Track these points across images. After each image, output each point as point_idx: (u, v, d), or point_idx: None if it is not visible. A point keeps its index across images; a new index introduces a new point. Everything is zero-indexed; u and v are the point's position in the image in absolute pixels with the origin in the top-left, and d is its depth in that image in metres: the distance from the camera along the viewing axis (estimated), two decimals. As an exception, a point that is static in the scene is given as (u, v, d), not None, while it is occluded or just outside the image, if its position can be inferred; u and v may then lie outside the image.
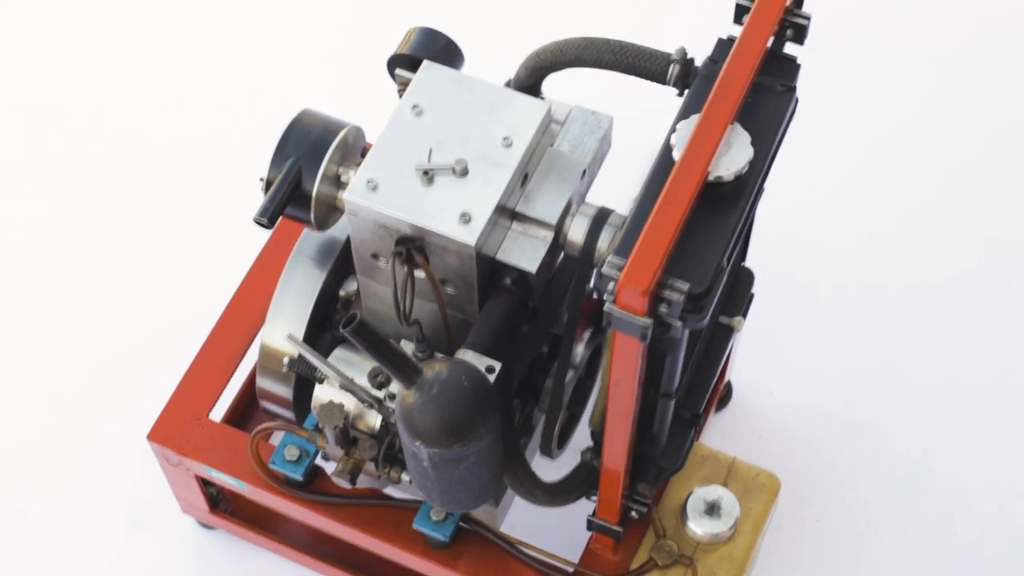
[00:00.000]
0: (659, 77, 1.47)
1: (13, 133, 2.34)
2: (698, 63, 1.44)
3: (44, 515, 2.01)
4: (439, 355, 1.57)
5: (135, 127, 2.33)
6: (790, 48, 1.41)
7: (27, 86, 2.39)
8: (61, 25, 2.44)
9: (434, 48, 1.59)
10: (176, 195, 2.25)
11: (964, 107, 2.32)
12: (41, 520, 2.01)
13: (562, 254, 1.55)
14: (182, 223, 2.23)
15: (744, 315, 1.68)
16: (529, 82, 1.56)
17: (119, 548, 1.99)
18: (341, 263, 1.69)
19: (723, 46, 1.40)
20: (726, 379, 1.98)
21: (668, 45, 1.49)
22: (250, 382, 1.86)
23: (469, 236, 1.44)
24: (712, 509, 1.67)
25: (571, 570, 1.70)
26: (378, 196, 1.46)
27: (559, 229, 1.49)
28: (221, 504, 1.90)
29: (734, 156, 1.32)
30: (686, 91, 1.43)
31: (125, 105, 2.34)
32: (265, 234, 1.88)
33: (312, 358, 1.52)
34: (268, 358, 1.70)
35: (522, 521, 1.86)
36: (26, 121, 2.35)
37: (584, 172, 1.52)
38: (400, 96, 1.59)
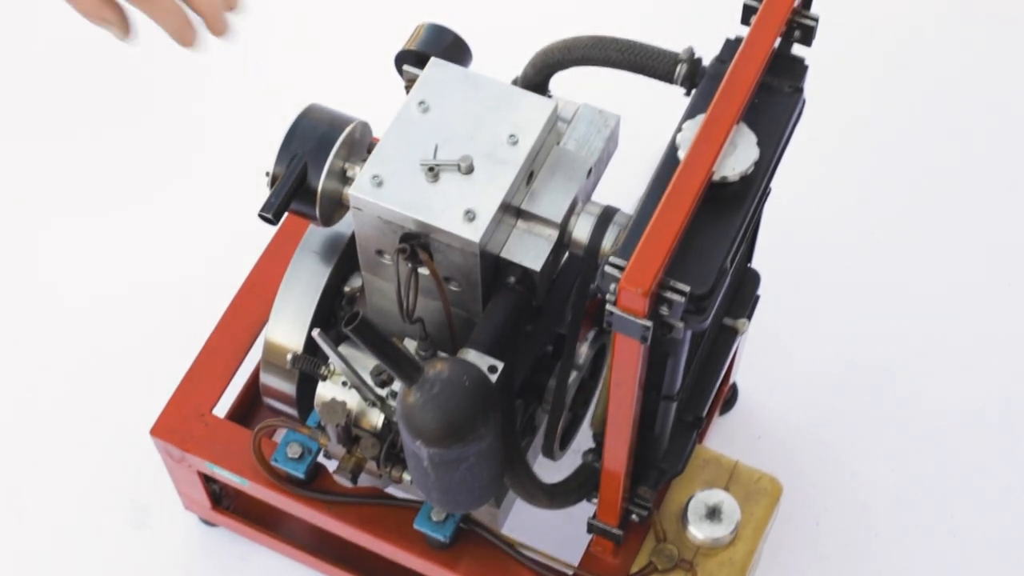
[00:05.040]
0: (666, 76, 1.47)
1: (16, 128, 2.34)
2: (706, 63, 1.43)
3: (44, 513, 2.01)
4: (441, 354, 1.57)
5: (140, 120, 2.33)
6: (798, 49, 1.40)
7: (30, 81, 2.39)
8: (65, 20, 2.44)
9: (442, 45, 1.59)
10: (181, 189, 2.25)
11: (969, 107, 2.32)
12: (41, 518, 2.01)
13: (567, 253, 1.54)
14: (186, 217, 2.23)
15: (749, 317, 1.68)
16: (537, 80, 1.56)
17: (120, 545, 1.98)
18: (346, 259, 1.69)
19: (731, 46, 1.40)
20: (731, 382, 1.97)
21: (676, 45, 1.48)
22: (254, 378, 1.86)
23: (473, 233, 1.43)
24: (713, 513, 1.66)
25: (571, 572, 1.69)
26: (383, 192, 1.46)
27: (564, 227, 1.49)
28: (223, 501, 1.90)
29: (739, 157, 1.32)
30: (693, 90, 1.43)
31: (130, 97, 2.34)
32: (270, 230, 1.88)
33: (333, 356, 1.51)
34: (272, 354, 1.70)
35: (522, 523, 1.85)
36: (29, 115, 2.35)
37: (590, 171, 1.52)
38: (407, 92, 1.59)
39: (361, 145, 1.55)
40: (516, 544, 1.69)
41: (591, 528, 1.66)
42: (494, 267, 1.50)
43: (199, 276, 2.17)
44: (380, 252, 1.53)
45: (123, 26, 1.62)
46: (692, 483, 1.70)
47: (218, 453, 1.76)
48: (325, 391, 1.59)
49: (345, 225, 1.63)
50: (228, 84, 2.36)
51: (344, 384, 1.58)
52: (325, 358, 1.58)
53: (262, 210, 1.50)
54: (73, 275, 2.19)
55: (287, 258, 1.70)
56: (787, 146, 1.38)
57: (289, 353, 1.62)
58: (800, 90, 1.38)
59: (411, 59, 1.59)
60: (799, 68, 1.39)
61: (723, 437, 2.01)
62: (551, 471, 1.72)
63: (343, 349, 1.56)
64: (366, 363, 1.57)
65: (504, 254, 1.49)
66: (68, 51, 2.41)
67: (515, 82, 1.58)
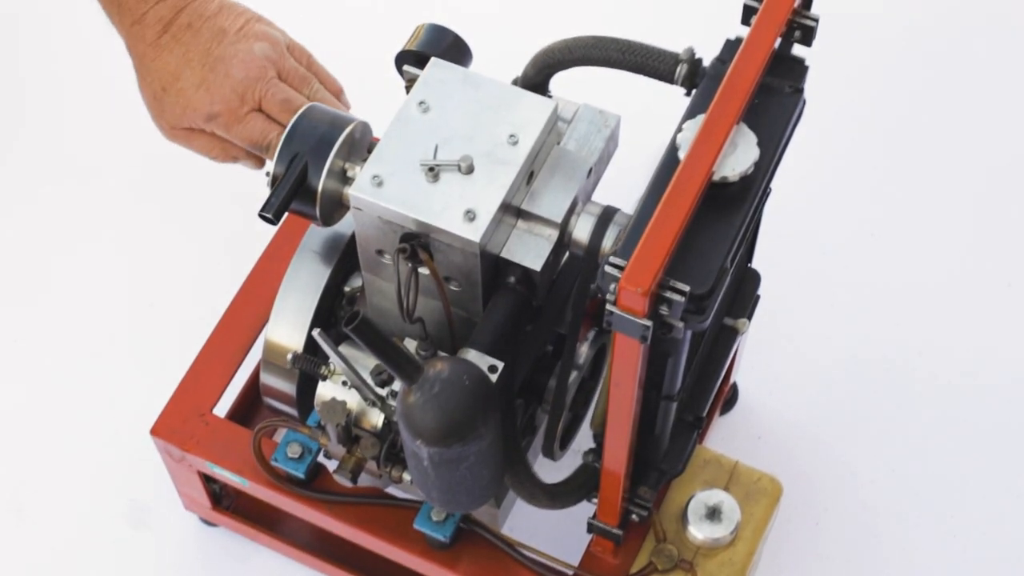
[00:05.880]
0: (667, 76, 1.47)
1: (15, 129, 2.34)
2: (706, 63, 1.43)
3: (44, 512, 2.01)
4: (441, 354, 1.57)
5: (140, 121, 2.32)
6: (798, 50, 1.40)
7: (29, 81, 2.39)
8: (62, 22, 2.44)
9: (442, 45, 1.59)
10: (181, 189, 2.25)
11: (969, 107, 2.32)
12: (41, 517, 2.00)
13: (567, 253, 1.55)
14: (186, 217, 2.22)
15: (749, 317, 1.68)
16: (537, 80, 1.56)
17: (119, 545, 1.98)
18: (347, 259, 1.69)
19: (731, 47, 1.40)
20: (731, 382, 1.97)
21: (676, 45, 1.48)
22: (254, 378, 1.86)
23: (473, 233, 1.43)
24: (713, 513, 1.66)
25: (571, 572, 1.69)
26: (383, 192, 1.46)
27: (564, 227, 1.49)
28: (224, 501, 1.90)
29: (740, 157, 1.32)
30: (693, 91, 1.43)
31: (131, 97, 2.34)
32: (270, 229, 1.88)
33: (334, 356, 1.51)
34: (272, 354, 1.70)
35: (522, 523, 1.85)
36: (27, 116, 2.35)
37: (590, 171, 1.52)
38: (407, 92, 1.59)
39: (361, 145, 1.55)
40: (516, 544, 1.69)
41: (591, 528, 1.66)
42: (494, 267, 1.50)
43: (199, 276, 2.17)
44: (380, 252, 1.53)
45: (253, 160, 1.69)
46: (692, 483, 1.70)
47: (218, 453, 1.76)
48: (325, 391, 1.59)
49: (345, 225, 1.63)
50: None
51: (344, 384, 1.58)
52: (325, 358, 1.58)
53: (262, 210, 1.50)
54: (73, 274, 2.19)
55: (287, 258, 1.70)
56: (787, 146, 1.38)
57: (289, 353, 1.62)
58: (800, 90, 1.38)
59: (411, 59, 1.59)
60: (799, 68, 1.39)
61: (723, 437, 2.01)
62: (551, 471, 1.72)
63: (343, 349, 1.56)
64: (366, 363, 1.57)
65: (504, 254, 1.49)
66: (72, 51, 2.41)
67: (515, 82, 1.58)
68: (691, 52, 1.45)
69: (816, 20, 1.37)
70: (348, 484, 1.61)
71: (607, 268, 1.27)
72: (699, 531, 1.66)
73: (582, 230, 1.49)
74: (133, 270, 2.19)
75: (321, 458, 1.72)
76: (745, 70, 1.33)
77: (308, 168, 1.51)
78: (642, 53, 1.47)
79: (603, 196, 1.55)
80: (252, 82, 1.65)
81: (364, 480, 1.64)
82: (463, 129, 1.48)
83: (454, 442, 1.41)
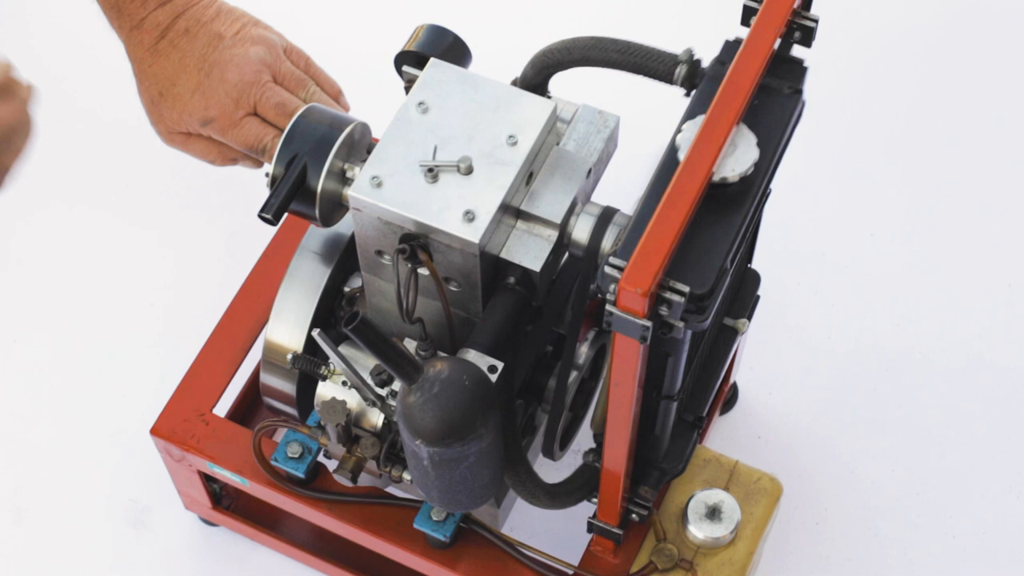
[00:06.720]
0: (666, 77, 1.47)
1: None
2: (706, 64, 1.43)
3: (44, 512, 2.01)
4: (441, 354, 1.57)
5: (140, 122, 2.33)
6: (797, 51, 1.40)
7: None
8: (62, 22, 2.44)
9: (442, 45, 1.59)
10: (181, 189, 2.25)
11: (969, 107, 2.32)
12: (41, 517, 2.00)
13: (567, 253, 1.55)
14: (186, 218, 2.22)
15: (749, 317, 1.68)
16: (536, 80, 1.56)
17: (120, 545, 1.98)
18: (346, 259, 1.69)
19: (730, 47, 1.40)
20: (731, 381, 1.97)
21: (676, 46, 1.48)
22: (254, 378, 1.86)
23: (473, 234, 1.43)
24: (713, 513, 1.66)
25: (571, 572, 1.69)
26: (382, 193, 1.46)
27: (563, 228, 1.49)
28: (224, 500, 1.90)
29: (739, 157, 1.32)
30: (693, 91, 1.43)
31: (131, 97, 2.34)
32: (270, 230, 1.88)
33: (334, 356, 1.51)
34: (272, 354, 1.70)
35: (522, 522, 1.86)
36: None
37: (590, 171, 1.52)
38: (407, 93, 1.59)
39: (361, 146, 1.56)
40: (516, 543, 1.69)
41: (591, 527, 1.66)
42: (494, 267, 1.50)
43: (199, 276, 2.17)
44: (380, 252, 1.53)
45: (252, 161, 1.70)
46: (692, 483, 1.70)
47: (218, 453, 1.76)
48: (325, 391, 1.59)
49: (345, 225, 1.63)
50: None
51: (344, 384, 1.58)
52: (325, 358, 1.58)
53: (262, 210, 1.50)
54: (72, 274, 2.19)
55: (287, 258, 1.71)
56: (787, 147, 1.38)
57: (289, 353, 1.62)
58: (800, 91, 1.38)
59: (410, 60, 1.59)
60: (799, 69, 1.39)
61: (723, 437, 2.01)
62: (551, 471, 1.72)
63: (343, 349, 1.56)
64: (366, 363, 1.57)
65: (504, 255, 1.49)
66: (74, 52, 2.41)
67: (514, 83, 1.58)
68: (690, 53, 1.45)
69: (816, 21, 1.37)
70: (348, 484, 1.61)
71: (607, 269, 1.27)
72: (699, 530, 1.66)
73: (581, 231, 1.49)
74: (133, 270, 2.19)
75: (321, 458, 1.72)
76: (745, 71, 1.33)
77: (307, 169, 1.51)
78: (641, 54, 1.47)
79: (603, 196, 1.55)
80: (247, 86, 1.66)
81: (364, 480, 1.64)
82: (462, 130, 1.48)
83: (454, 442, 1.42)
